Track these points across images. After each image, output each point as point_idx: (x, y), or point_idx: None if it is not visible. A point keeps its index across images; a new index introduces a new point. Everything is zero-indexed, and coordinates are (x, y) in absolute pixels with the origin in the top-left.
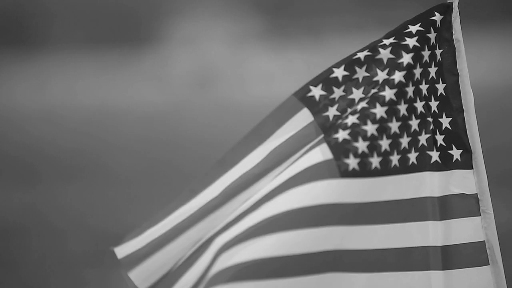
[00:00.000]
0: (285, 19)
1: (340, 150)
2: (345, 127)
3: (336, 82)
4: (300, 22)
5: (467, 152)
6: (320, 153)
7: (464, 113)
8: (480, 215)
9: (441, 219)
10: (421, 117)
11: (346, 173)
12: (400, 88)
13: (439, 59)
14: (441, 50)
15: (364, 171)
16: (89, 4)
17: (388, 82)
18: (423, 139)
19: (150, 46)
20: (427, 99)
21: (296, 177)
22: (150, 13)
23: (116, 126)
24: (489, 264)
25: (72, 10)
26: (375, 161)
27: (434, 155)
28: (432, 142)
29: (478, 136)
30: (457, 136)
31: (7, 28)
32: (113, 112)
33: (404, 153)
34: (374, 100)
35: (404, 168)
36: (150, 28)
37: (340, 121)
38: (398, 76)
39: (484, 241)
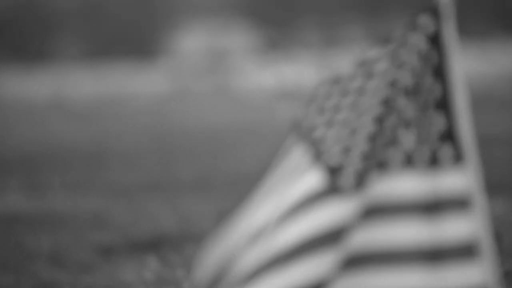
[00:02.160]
0: (285, 34)
1: (332, 172)
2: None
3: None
4: (300, 36)
5: (459, 149)
6: (315, 178)
7: (457, 111)
8: (472, 212)
9: (431, 216)
10: (379, 123)
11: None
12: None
13: (424, 57)
14: (432, 49)
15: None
16: (97, 19)
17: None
18: (391, 149)
19: (155, 58)
20: (394, 100)
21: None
22: (155, 28)
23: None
24: (479, 261)
25: (83, 24)
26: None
27: (415, 154)
28: (411, 141)
29: (472, 135)
30: (450, 133)
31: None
32: (119, 106)
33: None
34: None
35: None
36: (155, 42)
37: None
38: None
39: (475, 237)
